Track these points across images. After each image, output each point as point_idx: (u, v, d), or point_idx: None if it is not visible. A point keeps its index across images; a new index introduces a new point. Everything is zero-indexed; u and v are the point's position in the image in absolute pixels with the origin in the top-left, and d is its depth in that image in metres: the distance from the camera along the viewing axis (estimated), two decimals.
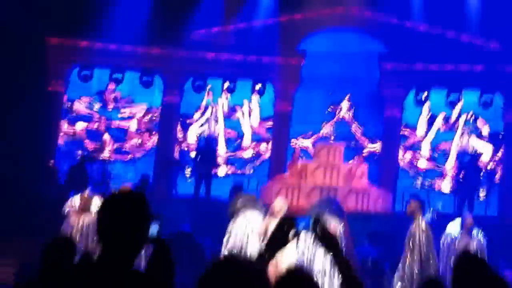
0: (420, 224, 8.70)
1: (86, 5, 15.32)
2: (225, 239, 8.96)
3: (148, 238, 2.51)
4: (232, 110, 18.14)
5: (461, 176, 14.50)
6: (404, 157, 17.30)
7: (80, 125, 17.91)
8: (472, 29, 16.25)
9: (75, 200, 9.70)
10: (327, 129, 17.83)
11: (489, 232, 10.33)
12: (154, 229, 2.58)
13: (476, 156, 15.79)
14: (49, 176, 14.92)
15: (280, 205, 9.07)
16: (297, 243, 8.44)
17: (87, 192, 9.85)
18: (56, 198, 11.01)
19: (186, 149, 17.72)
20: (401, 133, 17.23)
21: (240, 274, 2.06)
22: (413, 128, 17.52)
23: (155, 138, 17.75)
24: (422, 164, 17.35)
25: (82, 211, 9.54)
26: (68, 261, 4.19)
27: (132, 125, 18.08)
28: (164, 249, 2.66)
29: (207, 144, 15.71)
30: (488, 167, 16.50)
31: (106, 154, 17.42)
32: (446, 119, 17.32)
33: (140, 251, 2.39)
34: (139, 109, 18.19)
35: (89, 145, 17.65)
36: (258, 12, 17.09)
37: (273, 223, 9.01)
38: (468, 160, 15.64)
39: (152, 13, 15.97)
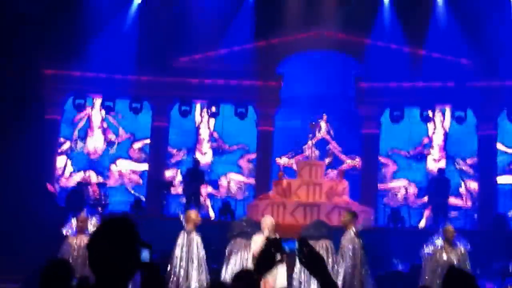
0: (351, 236, 9.12)
1: (78, 37, 15.94)
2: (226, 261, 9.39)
3: (140, 264, 2.53)
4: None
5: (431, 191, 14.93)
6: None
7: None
8: (443, 47, 16.87)
9: (73, 222, 10.01)
10: (308, 147, 18.34)
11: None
12: (145, 254, 2.60)
13: (443, 170, 16.24)
14: (50, 199, 15.42)
15: (267, 222, 9.47)
16: (286, 263, 8.88)
17: (83, 214, 10.15)
18: (56, 220, 11.35)
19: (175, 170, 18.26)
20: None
21: None
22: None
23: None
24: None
25: (79, 233, 9.85)
26: (65, 284, 4.31)
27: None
28: (155, 274, 2.70)
29: (195, 164, 16.15)
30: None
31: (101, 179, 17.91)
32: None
33: (132, 276, 2.41)
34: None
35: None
36: (237, 38, 17.65)
37: (262, 241, 9.41)
38: (438, 174, 16.07)
39: (139, 43, 16.62)
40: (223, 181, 18.58)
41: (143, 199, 17.19)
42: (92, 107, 18.46)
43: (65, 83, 17.41)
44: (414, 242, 10.19)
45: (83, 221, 9.90)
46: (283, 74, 18.03)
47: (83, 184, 16.50)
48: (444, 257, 9.27)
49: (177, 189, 17.45)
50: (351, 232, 9.16)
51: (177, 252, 9.36)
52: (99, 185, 17.08)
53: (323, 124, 18.47)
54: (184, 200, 16.09)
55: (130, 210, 15.49)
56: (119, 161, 18.55)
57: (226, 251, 9.93)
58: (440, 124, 17.94)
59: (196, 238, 9.42)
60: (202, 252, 9.40)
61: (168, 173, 18.15)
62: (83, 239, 9.80)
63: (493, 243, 12.83)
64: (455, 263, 9.02)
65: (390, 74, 17.06)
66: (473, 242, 11.45)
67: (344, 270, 9.02)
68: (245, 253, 9.69)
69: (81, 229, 9.87)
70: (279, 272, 9.19)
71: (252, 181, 18.20)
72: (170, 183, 17.05)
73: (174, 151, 18.54)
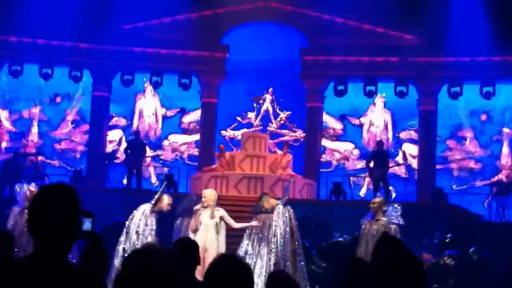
0: (280, 209, 9.22)
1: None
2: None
3: (82, 233, 2.49)
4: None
5: (371, 164, 15.20)
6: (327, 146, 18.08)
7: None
8: (388, 22, 17.01)
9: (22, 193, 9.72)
10: (252, 120, 18.28)
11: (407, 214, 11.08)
12: (87, 224, 2.58)
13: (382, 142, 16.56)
14: None
15: (210, 195, 9.41)
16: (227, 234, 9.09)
17: (33, 186, 9.82)
18: None
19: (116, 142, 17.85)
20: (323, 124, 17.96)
21: (150, 263, 2.26)
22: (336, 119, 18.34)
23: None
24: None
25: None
26: (7, 254, 4.27)
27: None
28: (97, 243, 2.66)
29: (137, 137, 15.82)
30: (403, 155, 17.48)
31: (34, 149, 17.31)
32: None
33: (72, 244, 2.36)
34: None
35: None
36: (182, 6, 17.26)
37: (204, 213, 9.39)
38: (377, 146, 16.35)
39: (81, 8, 15.95)
40: (165, 144, 18.43)
41: (80, 170, 16.74)
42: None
43: (0, 49, 16.64)
44: (355, 214, 10.32)
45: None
46: (228, 45, 17.79)
47: (20, 155, 15.90)
48: (372, 227, 9.36)
49: (119, 160, 17.10)
50: (278, 208, 9.23)
51: (133, 227, 9.21)
52: (36, 155, 16.50)
53: (268, 97, 18.39)
54: (125, 171, 15.81)
55: (70, 181, 15.08)
56: (55, 132, 17.97)
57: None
58: (382, 98, 18.18)
59: (155, 220, 9.30)
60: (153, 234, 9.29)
61: (110, 144, 17.75)
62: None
63: (431, 215, 13.17)
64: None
65: (335, 47, 17.10)
66: (412, 215, 11.74)
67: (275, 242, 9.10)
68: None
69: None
70: (220, 241, 9.22)
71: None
72: (112, 155, 16.67)
73: (117, 120, 18.11)
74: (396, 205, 10.07)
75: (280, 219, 9.18)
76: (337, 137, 18.42)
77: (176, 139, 18.64)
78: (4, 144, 17.52)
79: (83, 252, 2.68)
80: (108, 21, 16.44)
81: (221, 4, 17.62)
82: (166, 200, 9.39)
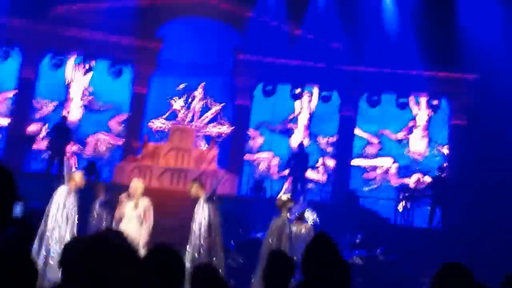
0: (201, 203, 9.40)
1: None
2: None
3: (13, 219, 2.26)
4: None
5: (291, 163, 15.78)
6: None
7: None
8: (317, 28, 17.66)
9: None
10: (181, 113, 18.46)
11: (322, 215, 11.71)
12: (17, 209, 2.53)
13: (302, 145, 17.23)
14: None
15: (136, 186, 9.66)
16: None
17: None
18: None
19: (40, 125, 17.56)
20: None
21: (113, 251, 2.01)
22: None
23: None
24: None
25: None
26: None
27: None
28: (27, 232, 2.65)
29: (62, 121, 15.68)
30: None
31: None
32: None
33: (3, 230, 2.19)
34: None
35: None
36: None
37: (129, 204, 9.59)
38: (298, 148, 17.03)
39: None
40: (90, 140, 18.22)
41: None
42: None
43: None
44: (273, 212, 10.80)
45: None
46: (163, 37, 17.92)
47: None
48: (296, 229, 9.89)
49: (40, 144, 16.87)
50: (201, 200, 9.37)
51: (53, 210, 9.21)
52: None
53: (197, 93, 18.60)
54: (47, 156, 15.63)
55: None
56: None
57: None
58: (307, 102, 18.83)
59: (74, 200, 9.30)
60: (76, 216, 9.33)
61: (32, 127, 17.46)
62: None
63: (344, 217, 13.90)
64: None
65: (267, 49, 17.59)
66: (326, 215, 12.41)
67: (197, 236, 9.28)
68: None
69: None
70: (144, 233, 9.45)
71: (120, 142, 18.03)
72: (32, 138, 16.40)
73: (43, 103, 17.85)
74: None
75: (201, 212, 9.38)
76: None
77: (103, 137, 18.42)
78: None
79: (8, 240, 2.60)
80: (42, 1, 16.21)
81: None
82: (78, 174, 9.49)
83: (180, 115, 18.17)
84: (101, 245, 1.90)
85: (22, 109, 17.22)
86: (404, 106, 17.95)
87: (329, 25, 17.35)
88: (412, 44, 16.64)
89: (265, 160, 18.54)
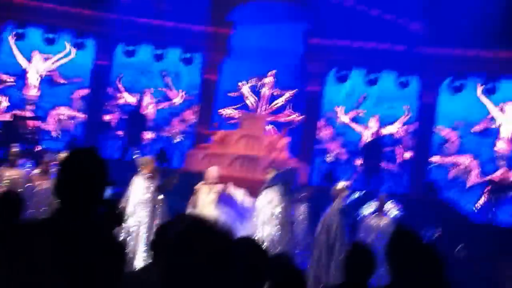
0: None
1: None
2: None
3: (103, 200, 2.46)
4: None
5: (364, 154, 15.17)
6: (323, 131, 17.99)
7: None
8: (396, 9, 16.79)
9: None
10: (249, 100, 18.17)
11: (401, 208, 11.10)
12: (107, 192, 2.56)
13: (379, 134, 16.48)
14: None
15: (212, 173, 9.97)
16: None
17: (15, 148, 9.92)
18: None
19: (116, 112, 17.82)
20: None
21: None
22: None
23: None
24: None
25: (10, 167, 9.68)
26: (18, 216, 4.29)
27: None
28: (117, 212, 2.75)
29: (137, 108, 15.84)
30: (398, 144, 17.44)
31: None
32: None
33: (96, 210, 2.38)
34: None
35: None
36: None
37: (203, 189, 9.68)
38: (372, 138, 16.33)
39: None
40: (163, 128, 18.25)
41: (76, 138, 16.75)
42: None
43: (3, 10, 16.50)
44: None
45: (15, 155, 9.80)
46: (233, 22, 17.64)
47: (19, 118, 15.81)
48: (375, 222, 9.70)
49: (117, 132, 17.12)
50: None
51: (132, 197, 9.44)
52: (35, 120, 16.45)
53: (268, 79, 18.24)
54: (122, 144, 15.84)
55: (64, 149, 15.06)
56: (58, 107, 17.91)
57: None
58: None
59: (151, 184, 9.55)
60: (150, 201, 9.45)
61: (108, 116, 17.69)
62: (13, 173, 9.67)
63: (421, 210, 13.19)
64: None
65: (340, 32, 16.97)
66: (403, 207, 11.77)
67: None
68: None
69: (13, 163, 9.77)
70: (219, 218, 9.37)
71: (189, 129, 17.99)
72: (108, 126, 16.69)
73: (121, 94, 18.04)
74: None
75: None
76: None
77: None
78: (4, 104, 17.41)
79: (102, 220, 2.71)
80: None
81: None
82: (146, 160, 9.83)
83: (249, 102, 17.89)
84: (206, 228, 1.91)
85: (98, 96, 17.49)
86: (491, 92, 16.69)
87: (408, 4, 16.44)
88: (498, 22, 15.45)
89: (337, 149, 17.95)
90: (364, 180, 15.30)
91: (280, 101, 18.02)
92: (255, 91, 17.38)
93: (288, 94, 17.86)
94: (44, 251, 2.15)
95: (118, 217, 2.75)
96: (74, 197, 2.30)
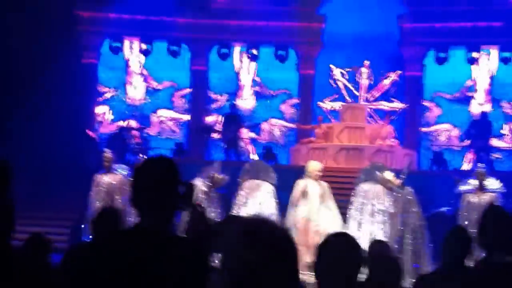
0: None
1: None
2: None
3: (187, 204, 2.49)
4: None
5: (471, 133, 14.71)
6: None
7: None
8: None
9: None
10: (349, 92, 18.03)
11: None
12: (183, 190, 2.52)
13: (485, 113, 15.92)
14: (91, 144, 15.60)
15: (313, 166, 9.79)
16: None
17: (108, 153, 10.27)
18: (98, 164, 11.41)
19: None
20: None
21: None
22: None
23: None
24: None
25: (106, 172, 10.14)
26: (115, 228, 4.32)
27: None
28: (199, 215, 2.74)
29: (232, 109, 16.15)
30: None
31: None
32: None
33: (174, 215, 2.40)
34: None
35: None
36: None
37: (310, 184, 9.65)
38: (480, 116, 15.79)
39: None
40: (265, 126, 18.50)
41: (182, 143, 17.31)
42: (130, 49, 18.28)
43: (101, 25, 17.16)
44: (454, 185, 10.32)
45: (109, 160, 10.10)
46: (324, 15, 17.61)
47: (125, 129, 16.58)
48: (476, 199, 9.49)
49: (219, 134, 17.54)
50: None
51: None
52: (140, 130, 17.20)
53: (364, 68, 18.05)
54: (223, 145, 16.20)
55: (172, 154, 15.64)
56: (160, 111, 18.57)
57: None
58: (485, 66, 17.44)
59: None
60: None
61: (210, 118, 18.18)
62: (110, 178, 10.03)
63: None
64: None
65: (435, 13, 16.55)
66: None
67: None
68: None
69: (108, 168, 10.07)
70: (324, 213, 9.42)
71: (294, 126, 18.14)
72: (211, 128, 17.11)
73: (216, 96, 18.47)
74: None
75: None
76: None
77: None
78: (109, 117, 18.31)
79: (189, 223, 2.80)
80: None
81: None
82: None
83: (348, 92, 17.79)
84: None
85: (197, 100, 17.98)
86: None
87: None
88: None
89: (444, 132, 17.51)
90: (475, 160, 14.88)
91: (379, 89, 17.76)
92: (354, 81, 17.22)
93: (394, 75, 17.45)
94: (132, 259, 2.22)
95: (204, 221, 2.78)
96: (148, 206, 2.33)
